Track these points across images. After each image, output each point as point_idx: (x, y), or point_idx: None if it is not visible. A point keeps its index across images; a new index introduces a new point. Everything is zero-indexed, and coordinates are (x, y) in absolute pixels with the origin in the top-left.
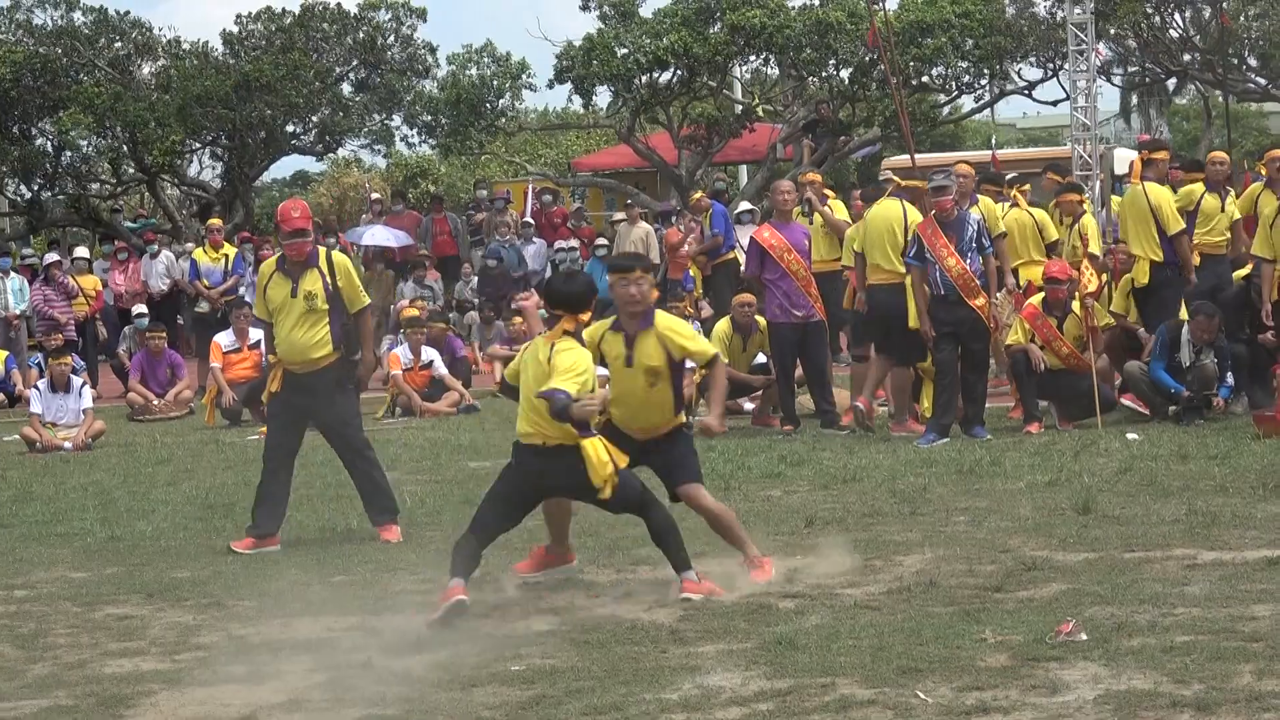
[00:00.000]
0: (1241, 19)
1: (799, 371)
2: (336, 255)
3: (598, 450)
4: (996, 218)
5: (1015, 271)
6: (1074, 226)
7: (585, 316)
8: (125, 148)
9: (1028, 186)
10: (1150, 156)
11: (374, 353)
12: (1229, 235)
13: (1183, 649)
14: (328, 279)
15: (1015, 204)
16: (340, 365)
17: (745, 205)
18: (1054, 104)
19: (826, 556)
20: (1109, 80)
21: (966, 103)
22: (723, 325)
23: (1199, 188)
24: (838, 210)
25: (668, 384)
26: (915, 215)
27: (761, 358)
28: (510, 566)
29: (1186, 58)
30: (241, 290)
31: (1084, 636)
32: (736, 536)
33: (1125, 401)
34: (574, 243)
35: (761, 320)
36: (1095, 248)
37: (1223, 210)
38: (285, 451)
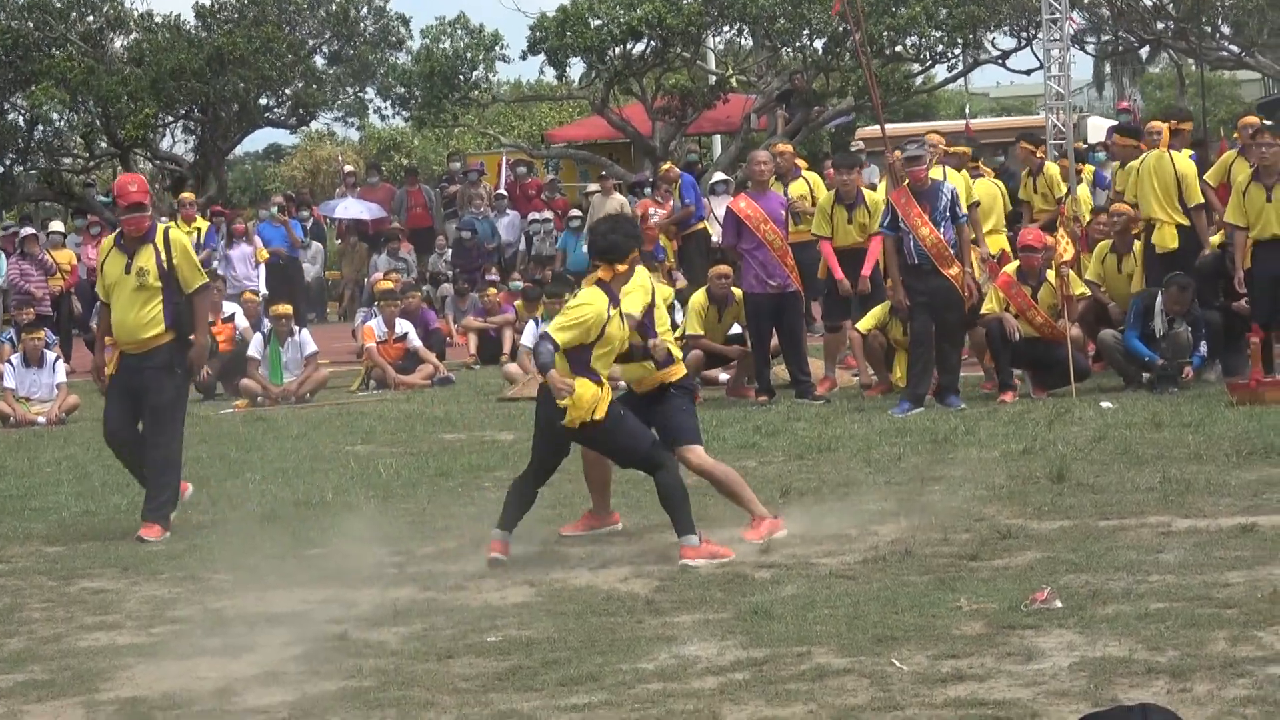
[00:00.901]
0: None
1: (774, 342)
2: (174, 232)
3: (586, 391)
4: (969, 188)
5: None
6: (1037, 178)
7: (621, 268)
8: (98, 122)
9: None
10: (1178, 126)
11: (206, 336)
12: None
13: (1157, 616)
14: (162, 256)
15: (979, 174)
16: (171, 347)
17: (719, 176)
18: (1027, 73)
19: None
20: (1082, 49)
21: (940, 72)
22: (699, 296)
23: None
24: (814, 183)
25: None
26: (956, 179)
27: (736, 328)
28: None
29: (1160, 26)
30: (215, 264)
31: (1059, 604)
32: (742, 496)
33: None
34: (548, 214)
35: (737, 291)
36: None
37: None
38: (122, 440)
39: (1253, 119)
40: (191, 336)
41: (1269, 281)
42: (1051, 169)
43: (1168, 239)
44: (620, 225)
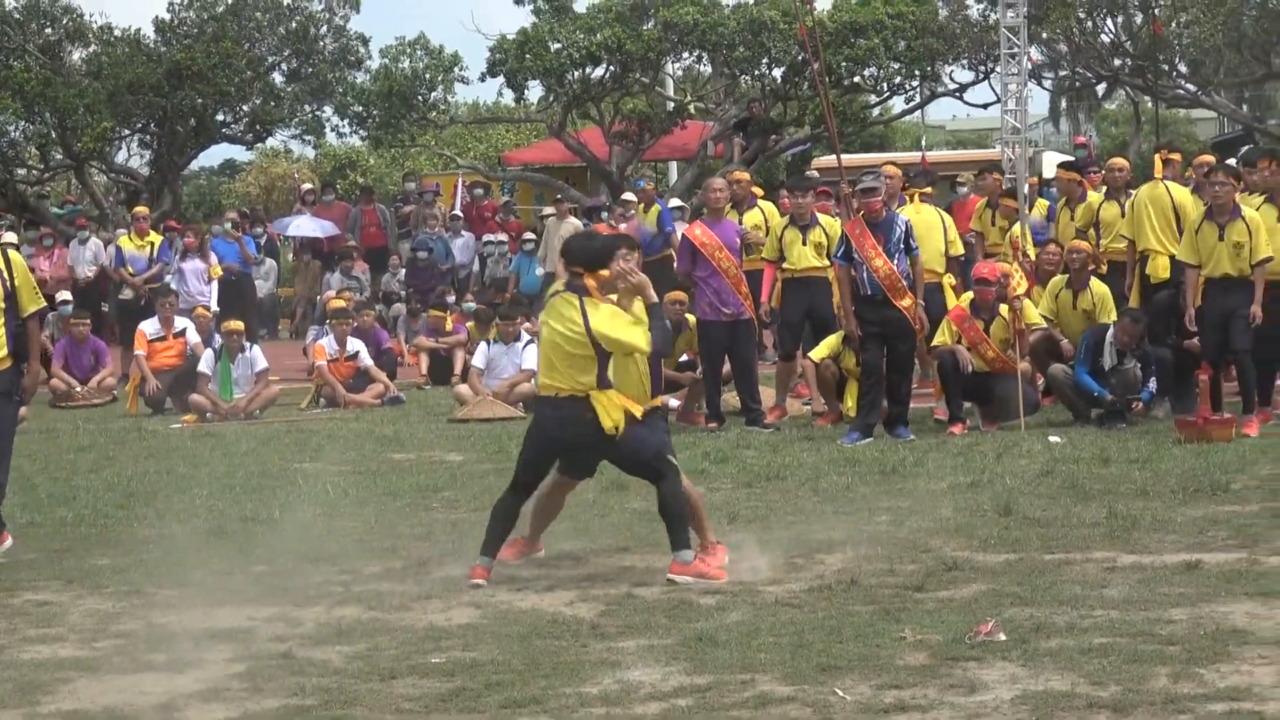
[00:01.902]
0: (1173, 25)
1: (725, 369)
2: (13, 254)
3: (611, 398)
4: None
5: None
6: (1009, 230)
7: (605, 274)
8: (54, 133)
9: (929, 190)
10: (1168, 156)
11: (39, 363)
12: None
13: (1100, 651)
14: (5, 278)
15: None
16: (11, 373)
17: (675, 202)
18: (984, 107)
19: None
20: (1040, 84)
21: (897, 104)
22: None
23: (1096, 198)
24: (768, 212)
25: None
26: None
27: (685, 355)
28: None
29: (1117, 63)
30: (167, 278)
31: (1003, 637)
32: (700, 520)
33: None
34: (503, 236)
35: (690, 318)
36: (1031, 251)
37: (1122, 216)
38: None
39: (1208, 158)
40: (24, 365)
41: (1218, 319)
42: (1011, 203)
43: (1160, 269)
44: (594, 235)
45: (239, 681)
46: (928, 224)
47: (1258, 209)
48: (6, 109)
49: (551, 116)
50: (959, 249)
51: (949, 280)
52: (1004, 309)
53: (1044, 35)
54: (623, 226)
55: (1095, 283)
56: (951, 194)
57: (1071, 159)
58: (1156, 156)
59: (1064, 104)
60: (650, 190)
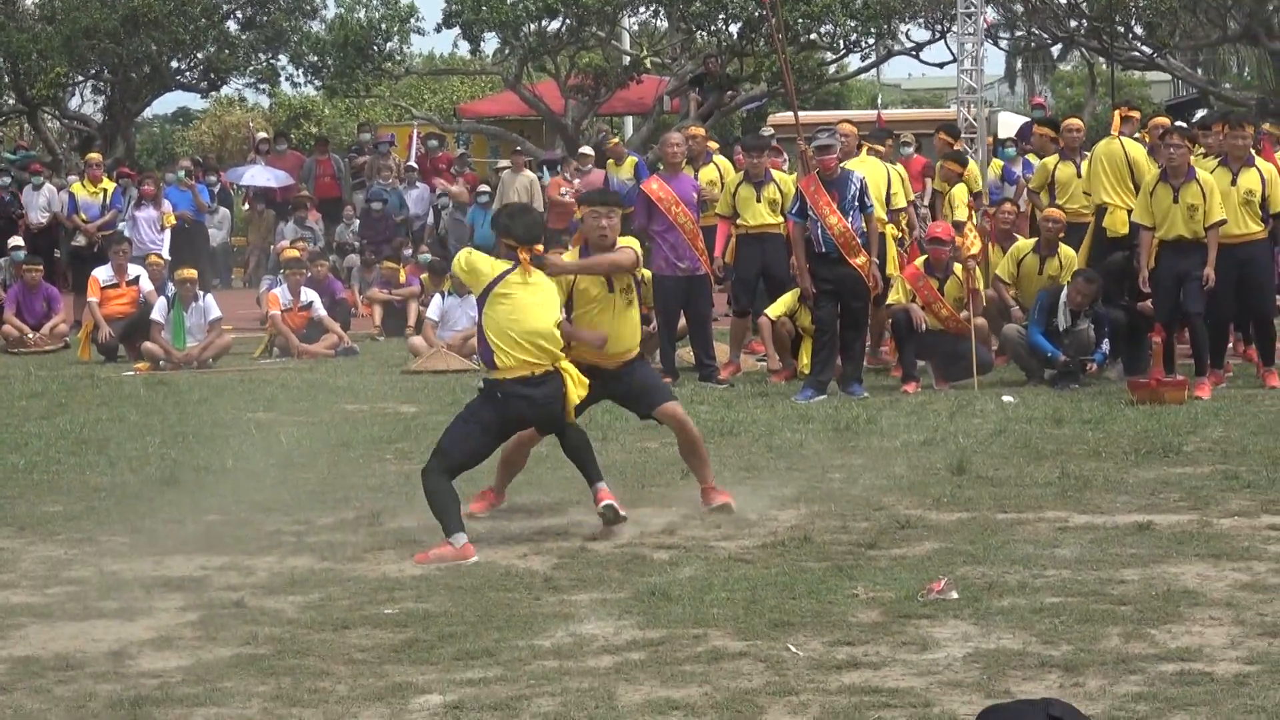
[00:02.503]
0: None
1: (680, 324)
2: None
3: (573, 375)
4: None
5: None
6: (948, 191)
7: (540, 248)
8: (6, 78)
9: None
10: (1127, 114)
11: None
12: (1089, 202)
13: (1052, 610)
14: None
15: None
16: None
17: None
18: (940, 66)
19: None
20: (995, 44)
21: (853, 62)
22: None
23: (1052, 159)
24: (724, 167)
25: (636, 300)
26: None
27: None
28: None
29: (1073, 24)
30: (120, 225)
31: (955, 595)
32: (701, 459)
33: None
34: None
35: (646, 273)
36: (961, 216)
37: (1079, 176)
38: None
39: (1163, 120)
40: None
41: (1172, 281)
42: (971, 165)
43: (1118, 223)
44: (529, 209)
45: (191, 630)
46: (871, 176)
47: (1211, 172)
48: None
49: (507, 69)
50: (901, 201)
51: (891, 230)
52: (958, 268)
53: None
54: (577, 182)
55: (1064, 249)
56: (898, 153)
57: (1045, 116)
58: (1115, 113)
59: (1020, 64)
60: (618, 145)
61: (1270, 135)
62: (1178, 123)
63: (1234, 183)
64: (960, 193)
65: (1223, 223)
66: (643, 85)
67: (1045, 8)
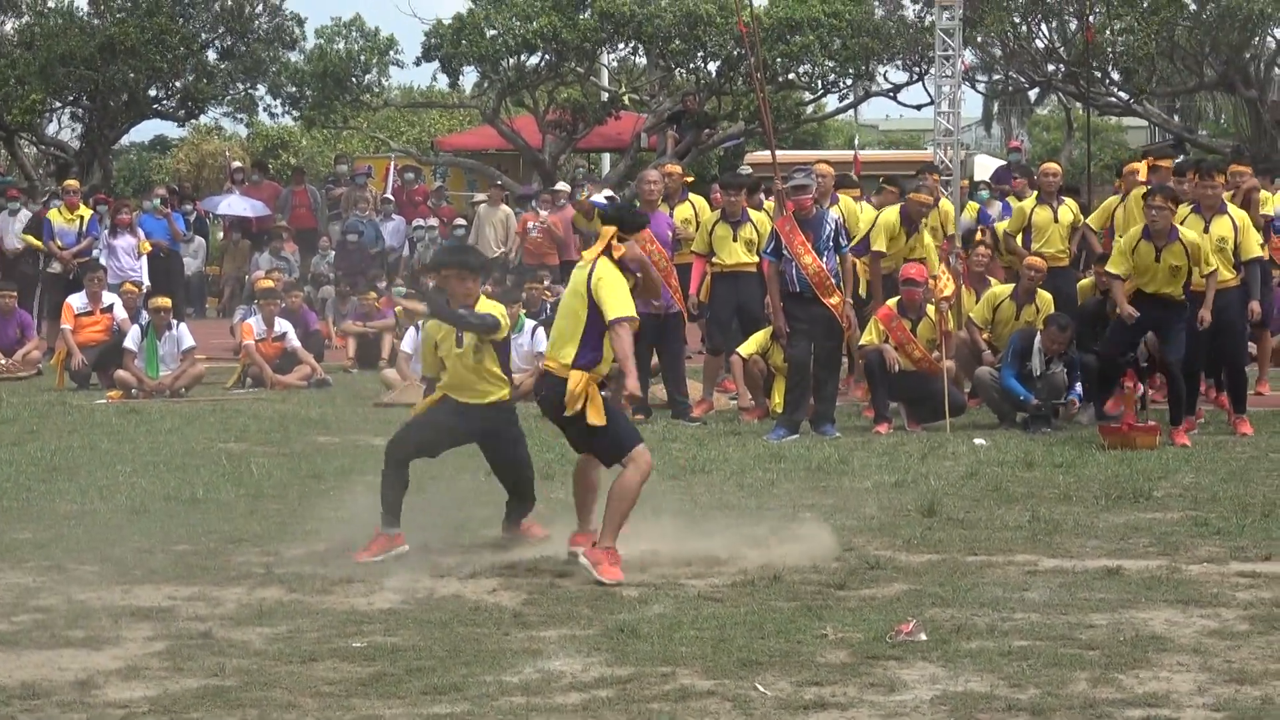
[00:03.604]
0: (1107, 33)
1: (653, 361)
2: None
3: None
4: (856, 217)
5: None
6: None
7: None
8: None
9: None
10: (1155, 163)
11: None
12: (1065, 246)
13: (1020, 654)
14: None
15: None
16: None
17: (607, 193)
18: (918, 108)
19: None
20: (973, 87)
21: (831, 102)
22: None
23: (1030, 203)
24: (699, 206)
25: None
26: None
27: None
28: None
29: (1050, 68)
30: (95, 253)
31: (924, 637)
32: (619, 516)
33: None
34: (433, 221)
35: None
36: (951, 228)
37: (1055, 221)
38: None
39: (1137, 165)
40: None
41: (1143, 326)
42: (944, 205)
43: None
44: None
45: (158, 660)
46: (851, 212)
47: (1183, 221)
48: None
49: (485, 103)
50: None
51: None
52: (931, 310)
53: (978, 39)
54: (545, 213)
55: (1041, 294)
56: (878, 193)
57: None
58: (1143, 164)
59: (996, 108)
60: (586, 200)
61: (1238, 174)
62: (1164, 173)
63: (1206, 230)
64: (946, 205)
65: (1215, 271)
66: (620, 122)
67: (1023, 52)
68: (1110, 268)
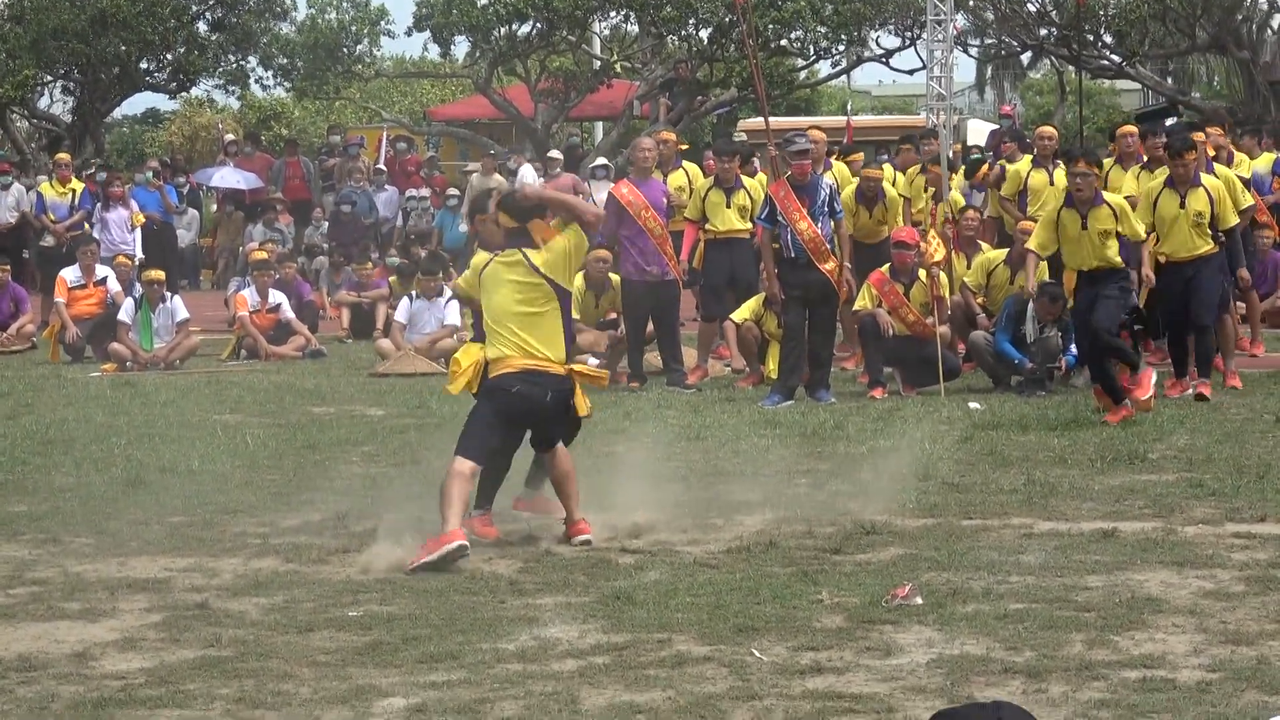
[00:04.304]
0: None
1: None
2: None
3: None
4: (850, 183)
5: None
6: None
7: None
8: None
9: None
10: (1124, 131)
11: None
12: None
13: (1016, 616)
14: None
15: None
16: None
17: (600, 161)
18: (910, 73)
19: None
20: (965, 51)
21: (823, 68)
22: (576, 281)
23: (1025, 165)
24: (692, 174)
25: None
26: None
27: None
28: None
29: (1043, 32)
30: (88, 226)
31: (919, 601)
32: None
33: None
34: (425, 191)
35: (614, 277)
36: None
37: (1051, 184)
38: None
39: (1130, 128)
40: None
41: (1088, 307)
42: (954, 197)
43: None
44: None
45: (155, 631)
46: (845, 178)
47: (1156, 197)
48: None
49: (477, 72)
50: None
51: None
52: (923, 274)
53: (970, 2)
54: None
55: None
56: (875, 159)
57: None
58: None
59: (989, 72)
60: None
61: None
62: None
63: (1183, 205)
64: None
65: (1146, 237)
66: (613, 90)
67: (1015, 15)
68: (1031, 245)
